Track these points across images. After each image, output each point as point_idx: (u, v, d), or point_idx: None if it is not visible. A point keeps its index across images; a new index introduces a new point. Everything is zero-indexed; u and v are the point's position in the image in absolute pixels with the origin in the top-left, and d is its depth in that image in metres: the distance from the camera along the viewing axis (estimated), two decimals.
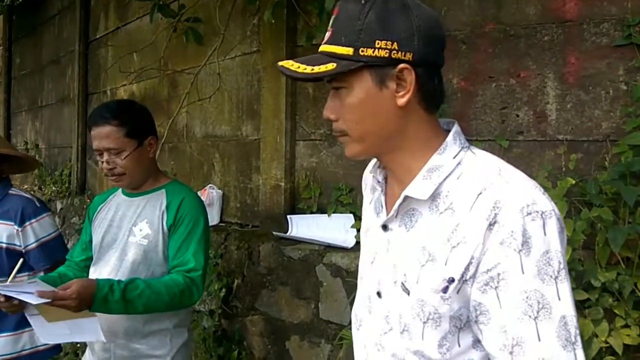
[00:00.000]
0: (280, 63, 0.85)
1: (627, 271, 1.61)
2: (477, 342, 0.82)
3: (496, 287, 0.76)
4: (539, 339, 0.73)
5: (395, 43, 0.80)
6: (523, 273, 0.74)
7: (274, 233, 2.47)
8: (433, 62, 0.85)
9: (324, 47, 0.85)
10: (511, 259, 0.75)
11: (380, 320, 0.91)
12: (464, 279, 0.79)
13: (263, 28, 2.63)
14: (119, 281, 1.45)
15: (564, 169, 1.93)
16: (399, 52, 0.81)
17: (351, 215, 2.31)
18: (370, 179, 1.06)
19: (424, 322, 0.82)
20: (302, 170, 2.57)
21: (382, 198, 0.94)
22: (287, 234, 2.46)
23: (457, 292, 0.79)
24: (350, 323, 2.12)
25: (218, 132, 3.07)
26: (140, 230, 1.61)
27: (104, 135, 1.56)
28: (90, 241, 1.74)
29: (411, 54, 0.81)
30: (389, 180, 0.95)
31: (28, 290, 1.31)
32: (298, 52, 2.55)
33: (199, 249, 1.60)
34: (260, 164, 2.68)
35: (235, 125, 2.94)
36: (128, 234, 1.63)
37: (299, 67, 0.83)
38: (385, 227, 0.91)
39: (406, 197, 0.86)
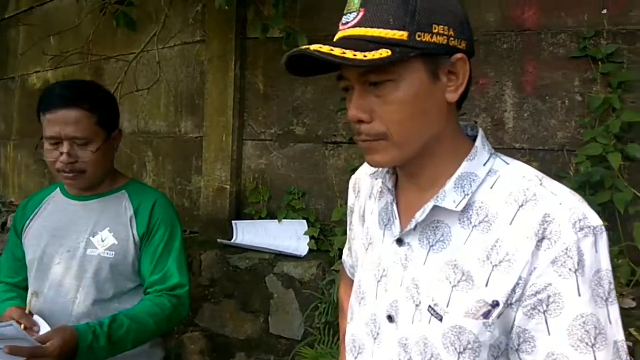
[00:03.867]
0: (309, 47, 0.67)
1: None
2: None
3: (545, 312, 0.67)
4: None
5: (452, 29, 0.69)
6: (580, 296, 0.65)
7: (219, 241, 2.26)
8: (474, 54, 0.75)
9: (356, 31, 0.69)
10: (566, 280, 0.66)
11: (391, 348, 0.78)
12: (509, 302, 0.68)
13: (209, 16, 2.42)
14: (100, 324, 1.22)
15: None
16: (456, 40, 0.70)
17: (304, 221, 2.16)
18: (368, 184, 0.93)
19: (460, 353, 0.70)
20: (249, 173, 2.38)
21: (395, 208, 0.81)
22: (233, 241, 2.27)
23: (498, 317, 0.69)
24: (304, 339, 1.99)
25: (152, 128, 2.79)
26: (103, 240, 1.34)
27: (72, 120, 1.28)
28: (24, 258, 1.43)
29: (465, 42, 0.71)
30: (403, 188, 0.82)
31: None
32: (248, 45, 2.37)
33: (181, 260, 1.40)
34: (202, 164, 2.45)
35: (173, 121, 2.68)
36: (85, 245, 1.35)
37: (345, 53, 0.65)
38: (400, 241, 0.78)
39: (434, 208, 0.74)
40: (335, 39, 0.73)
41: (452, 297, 0.71)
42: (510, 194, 0.71)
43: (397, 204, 0.81)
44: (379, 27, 0.67)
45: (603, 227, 0.68)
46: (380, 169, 0.85)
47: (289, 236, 2.17)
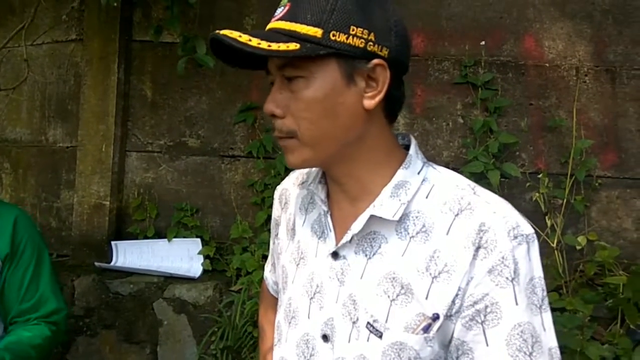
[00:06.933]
0: (221, 32, 0.66)
1: None
2: None
3: (483, 322, 0.66)
4: None
5: (372, 33, 0.67)
6: (517, 304, 0.66)
7: (97, 264, 2.00)
8: (404, 64, 0.73)
9: (277, 24, 0.68)
10: (503, 289, 0.66)
11: None
12: (448, 314, 0.67)
13: (88, 14, 2.17)
14: None
15: None
16: (375, 45, 0.67)
17: (198, 239, 2.01)
18: (295, 195, 0.87)
19: None
20: (133, 187, 2.16)
21: (329, 220, 0.77)
22: (112, 264, 2.02)
23: (438, 330, 0.67)
24: None
25: (10, 135, 2.40)
26: None
27: None
28: None
29: (387, 50, 0.69)
30: (336, 198, 0.78)
31: None
32: (134, 48, 2.17)
33: (54, 283, 1.26)
34: (74, 177, 2.17)
35: (38, 128, 2.34)
36: None
37: (250, 40, 0.64)
38: (336, 254, 0.74)
39: (370, 218, 0.71)
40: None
41: (391, 311, 0.68)
42: (445, 202, 0.70)
43: (330, 215, 0.77)
44: (297, 22, 0.66)
45: (534, 235, 0.70)
46: (311, 179, 0.81)
47: (179, 256, 2.00)
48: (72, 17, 2.28)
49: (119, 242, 2.09)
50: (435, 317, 0.66)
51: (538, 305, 0.67)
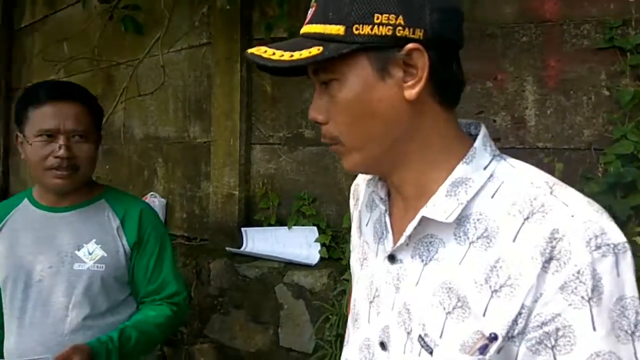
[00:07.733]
0: (249, 50, 0.67)
1: None
2: None
3: (553, 347, 0.56)
4: None
5: (400, 17, 0.60)
6: (595, 330, 0.55)
7: (227, 249, 2.19)
8: (450, 41, 0.64)
9: (306, 28, 0.66)
10: (578, 310, 0.55)
11: None
12: (510, 335, 0.58)
13: (214, 18, 2.36)
14: (110, 338, 1.22)
15: None
16: (406, 29, 0.60)
17: (315, 228, 2.08)
18: (363, 191, 0.84)
19: None
20: (258, 178, 2.31)
21: (387, 220, 0.72)
22: (242, 249, 2.20)
23: (498, 352, 0.59)
24: (315, 352, 1.91)
25: (161, 134, 2.75)
26: (90, 253, 1.29)
27: (72, 114, 1.26)
28: None
29: (422, 30, 0.61)
30: (394, 197, 0.74)
31: None
32: (254, 46, 2.29)
33: (174, 267, 1.41)
34: (210, 169, 2.40)
35: (182, 126, 2.63)
36: (70, 260, 1.29)
37: (273, 54, 0.64)
38: (392, 257, 0.70)
39: (423, 219, 0.64)
40: None
41: (446, 325, 0.62)
42: (514, 203, 0.61)
43: (390, 215, 0.72)
44: (321, 22, 0.63)
45: (626, 245, 0.57)
46: (376, 178, 0.77)
47: (299, 243, 2.09)
48: (203, 22, 2.50)
49: (248, 229, 2.26)
50: (493, 338, 0.59)
51: (629, 332, 0.56)
